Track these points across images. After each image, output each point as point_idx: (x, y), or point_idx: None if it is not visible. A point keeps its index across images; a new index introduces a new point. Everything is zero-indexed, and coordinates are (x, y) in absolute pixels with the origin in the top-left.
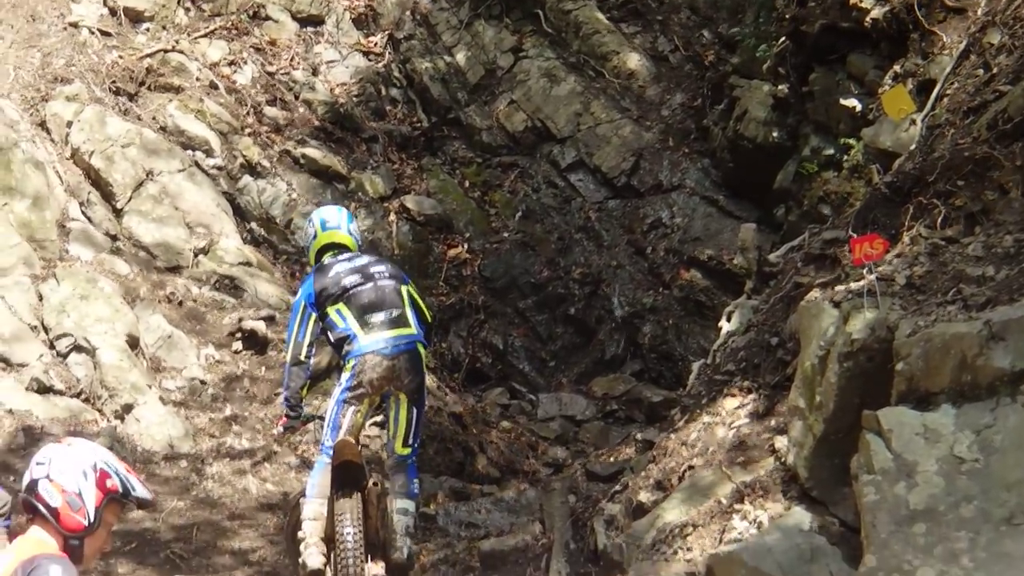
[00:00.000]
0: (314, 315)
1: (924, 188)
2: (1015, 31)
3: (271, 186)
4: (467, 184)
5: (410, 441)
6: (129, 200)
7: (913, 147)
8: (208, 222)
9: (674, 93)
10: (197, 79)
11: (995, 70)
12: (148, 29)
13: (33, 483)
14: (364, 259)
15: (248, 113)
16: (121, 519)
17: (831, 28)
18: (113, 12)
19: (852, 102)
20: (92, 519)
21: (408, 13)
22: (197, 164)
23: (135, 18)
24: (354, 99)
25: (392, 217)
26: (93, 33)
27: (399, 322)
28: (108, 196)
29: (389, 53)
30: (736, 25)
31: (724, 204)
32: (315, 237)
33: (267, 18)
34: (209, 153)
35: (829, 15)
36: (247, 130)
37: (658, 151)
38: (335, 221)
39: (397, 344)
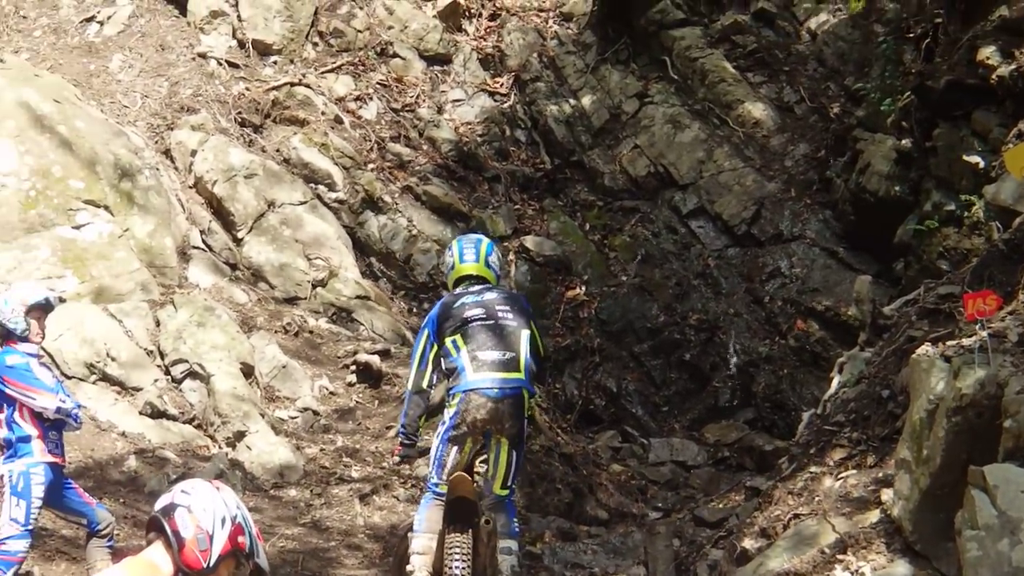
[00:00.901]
0: (435, 344)
1: None
2: None
3: (392, 221)
4: (587, 227)
5: (509, 483)
6: (250, 230)
7: None
8: (327, 255)
9: (798, 144)
10: (322, 113)
11: None
12: (276, 62)
13: (171, 506)
14: (493, 294)
15: (372, 148)
16: None
17: (957, 84)
18: (242, 44)
19: (975, 159)
20: (211, 564)
21: (535, 55)
22: (319, 197)
23: (263, 51)
24: (478, 138)
25: (512, 257)
26: (221, 64)
27: (509, 365)
28: (229, 225)
29: (515, 94)
30: (862, 79)
31: (844, 256)
32: (452, 268)
33: (395, 55)
34: (331, 186)
35: (955, 71)
36: (370, 165)
37: (779, 201)
38: (472, 254)
39: (503, 388)
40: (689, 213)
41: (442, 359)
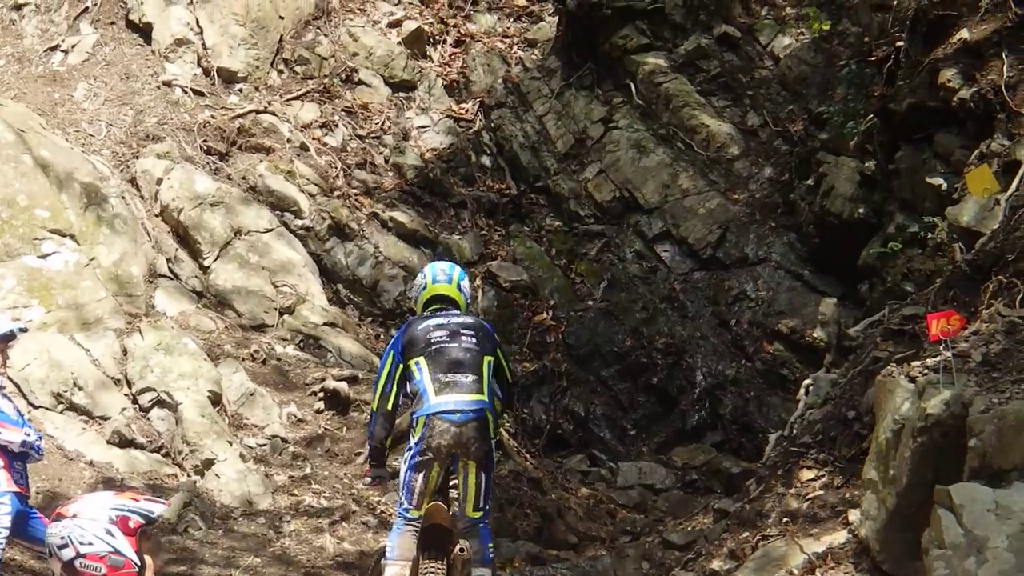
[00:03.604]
0: (400, 365)
1: (1004, 267)
2: None
3: (358, 248)
4: (553, 252)
5: (481, 505)
6: (216, 258)
7: (996, 226)
8: (295, 281)
9: (762, 167)
10: (288, 140)
11: None
12: (241, 89)
13: (69, 566)
14: (458, 318)
15: (338, 175)
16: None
17: (919, 107)
18: (207, 72)
19: (938, 180)
20: (138, 562)
21: (500, 81)
22: (285, 224)
23: (228, 78)
24: (444, 164)
25: (478, 282)
26: (186, 92)
27: (471, 387)
28: (195, 253)
29: (480, 120)
30: (825, 102)
31: (809, 279)
32: (424, 288)
33: (360, 82)
34: (298, 213)
35: (917, 94)
36: (336, 192)
37: (744, 224)
38: (445, 276)
39: (466, 411)
40: (655, 237)
41: (407, 381)
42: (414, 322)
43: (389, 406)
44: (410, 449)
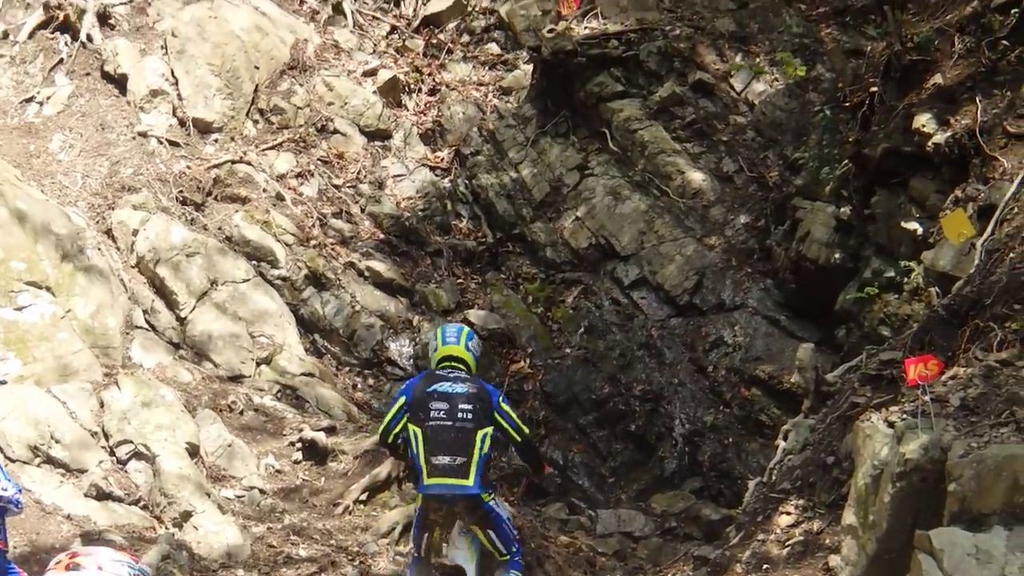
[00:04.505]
0: (407, 414)
1: (981, 311)
2: None
3: (335, 298)
4: (530, 300)
5: (504, 552)
6: (193, 309)
7: (972, 271)
8: (271, 332)
9: (738, 213)
10: (264, 190)
11: None
12: (216, 140)
13: None
14: (461, 388)
15: (314, 225)
16: None
17: (894, 152)
18: (182, 122)
19: (913, 225)
20: None
21: (475, 129)
22: (262, 274)
23: (204, 129)
24: (420, 213)
25: None
26: (162, 143)
27: (459, 472)
28: (172, 304)
29: (456, 168)
30: (800, 148)
31: (786, 324)
32: (435, 350)
33: (335, 131)
34: (274, 264)
35: (892, 139)
36: (312, 242)
37: (721, 270)
38: (454, 337)
39: (454, 494)
40: (631, 284)
41: (408, 437)
42: (426, 378)
43: (389, 440)
44: (416, 511)
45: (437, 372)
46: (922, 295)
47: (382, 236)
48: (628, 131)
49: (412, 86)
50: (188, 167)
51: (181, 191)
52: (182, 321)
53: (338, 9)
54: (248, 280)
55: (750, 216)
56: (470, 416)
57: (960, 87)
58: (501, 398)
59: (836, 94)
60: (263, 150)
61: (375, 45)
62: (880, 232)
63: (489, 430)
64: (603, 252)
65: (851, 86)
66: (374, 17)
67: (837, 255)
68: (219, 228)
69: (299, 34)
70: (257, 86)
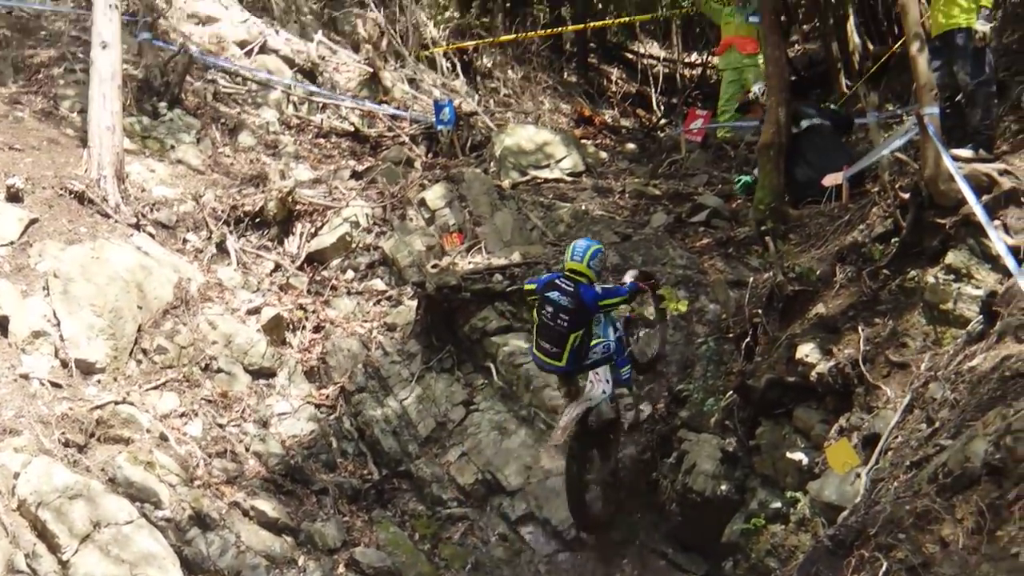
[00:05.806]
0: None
1: (866, 541)
2: (956, 386)
3: (220, 538)
4: (417, 536)
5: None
6: (75, 552)
7: (857, 500)
8: (156, 574)
9: (624, 446)
10: (147, 431)
11: (937, 424)
12: (99, 380)
13: None
14: (565, 302)
15: (198, 465)
16: None
17: (777, 383)
18: (64, 364)
19: (798, 456)
20: None
21: (360, 366)
22: (146, 516)
23: (86, 370)
24: (305, 451)
25: (341, 569)
26: (44, 385)
27: (555, 356)
28: (54, 548)
29: (341, 405)
30: (685, 380)
31: (673, 557)
32: (563, 263)
33: (219, 370)
34: (158, 505)
35: (775, 370)
36: (197, 482)
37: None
38: (579, 256)
39: (548, 366)
40: (518, 519)
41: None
42: (549, 283)
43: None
44: None
45: (556, 281)
46: (809, 526)
47: (267, 475)
48: (513, 365)
49: (296, 323)
50: (71, 409)
51: (63, 433)
52: (64, 564)
53: (222, 248)
54: (131, 522)
55: (636, 449)
56: (565, 324)
57: (842, 316)
58: (597, 300)
59: (720, 326)
60: (147, 390)
61: (259, 283)
62: (765, 463)
63: (579, 333)
64: (489, 487)
65: (734, 317)
66: (257, 255)
67: (723, 487)
68: (102, 470)
69: (183, 273)
70: (140, 326)
